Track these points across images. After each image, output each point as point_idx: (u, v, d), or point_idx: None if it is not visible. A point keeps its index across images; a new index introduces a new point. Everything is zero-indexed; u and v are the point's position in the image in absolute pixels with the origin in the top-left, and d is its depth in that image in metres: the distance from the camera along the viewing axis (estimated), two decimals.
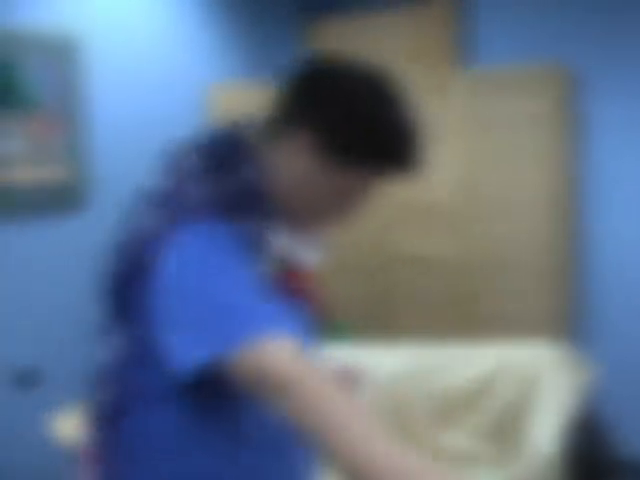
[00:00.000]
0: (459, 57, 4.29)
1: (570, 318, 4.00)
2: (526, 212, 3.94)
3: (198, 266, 1.22)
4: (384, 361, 3.17)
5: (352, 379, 1.64)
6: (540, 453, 2.63)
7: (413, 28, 4.44)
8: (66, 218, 3.65)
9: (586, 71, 3.95)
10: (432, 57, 4.36)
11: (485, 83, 4.01)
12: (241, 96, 4.44)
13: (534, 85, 3.89)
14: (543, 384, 2.99)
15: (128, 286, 1.28)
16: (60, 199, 3.60)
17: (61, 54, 3.54)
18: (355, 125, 1.24)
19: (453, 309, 4.09)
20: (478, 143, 4.00)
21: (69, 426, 3.09)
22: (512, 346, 3.24)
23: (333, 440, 1.08)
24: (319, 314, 1.47)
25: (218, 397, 1.28)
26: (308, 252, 1.41)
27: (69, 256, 3.66)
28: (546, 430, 2.72)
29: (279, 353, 1.14)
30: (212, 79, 4.36)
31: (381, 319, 4.27)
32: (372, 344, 3.44)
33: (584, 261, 4.06)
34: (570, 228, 3.99)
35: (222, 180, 1.28)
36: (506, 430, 3.17)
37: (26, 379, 3.48)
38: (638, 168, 3.90)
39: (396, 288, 4.13)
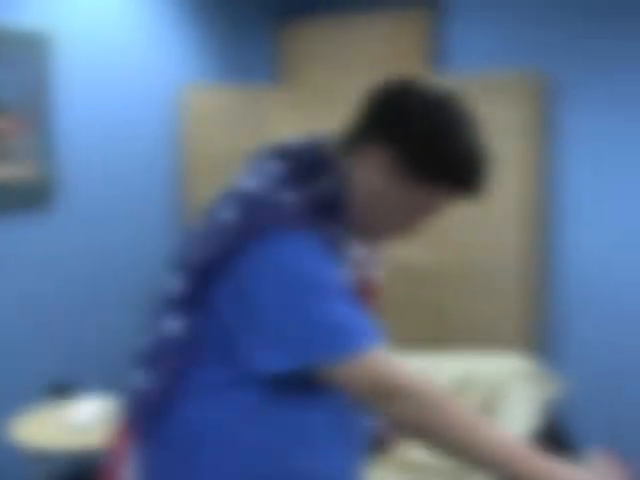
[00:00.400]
0: (434, 62, 4.29)
1: (537, 330, 4.01)
2: (497, 222, 3.94)
3: (296, 274, 1.26)
4: None
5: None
6: None
7: (388, 33, 4.43)
8: (34, 218, 3.59)
9: (560, 79, 3.95)
10: (407, 62, 4.35)
11: (459, 89, 3.99)
12: (214, 97, 4.41)
13: (508, 92, 3.88)
14: (509, 395, 2.99)
15: (207, 274, 1.30)
16: (28, 198, 3.55)
17: (30, 52, 3.48)
18: (435, 145, 1.32)
19: (421, 318, 4.09)
20: None
21: (31, 431, 3.04)
22: (479, 357, 3.24)
23: (460, 440, 1.23)
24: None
25: (294, 391, 1.34)
26: (374, 266, 1.49)
27: (36, 256, 3.60)
28: None
29: (387, 363, 1.25)
30: (185, 80, 4.32)
31: None
32: None
33: (552, 273, 4.08)
34: (540, 239, 4.00)
35: (308, 189, 1.33)
36: None
37: None
38: (608, 179, 3.91)
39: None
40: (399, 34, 4.40)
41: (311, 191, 1.33)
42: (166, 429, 1.36)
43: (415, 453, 3.21)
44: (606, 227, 3.95)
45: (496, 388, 3.03)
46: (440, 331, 4.01)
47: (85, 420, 3.08)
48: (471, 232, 4.02)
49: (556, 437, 2.89)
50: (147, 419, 1.37)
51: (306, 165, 1.36)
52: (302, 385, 1.33)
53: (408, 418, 1.25)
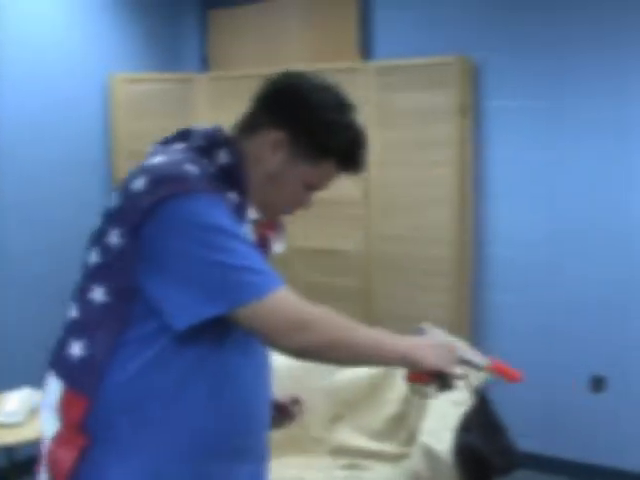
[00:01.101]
0: (362, 48, 4.30)
1: (467, 315, 4.07)
2: (429, 207, 3.97)
3: (202, 223, 1.37)
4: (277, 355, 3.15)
5: None
6: (433, 450, 2.66)
7: (316, 18, 4.43)
8: None
9: (486, 62, 4.01)
10: (335, 49, 4.37)
11: (388, 75, 4.01)
12: (143, 86, 4.34)
13: (436, 77, 3.90)
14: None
15: (121, 243, 1.40)
16: None
17: None
18: (319, 126, 1.50)
19: (352, 304, 4.10)
20: (381, 136, 4.01)
21: None
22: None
23: (355, 346, 1.46)
24: None
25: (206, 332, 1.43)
26: (275, 241, 1.63)
27: None
28: (440, 427, 2.75)
29: (295, 300, 1.41)
30: (114, 70, 4.25)
31: None
32: None
33: (481, 259, 4.15)
34: (469, 224, 4.06)
35: (210, 163, 1.48)
36: (401, 427, 3.20)
37: None
38: (533, 162, 3.99)
39: (295, 280, 4.11)
40: (327, 19, 4.41)
41: (211, 164, 1.48)
42: (110, 391, 1.42)
43: (349, 438, 3.24)
44: (530, 210, 4.03)
45: None
46: (372, 317, 4.03)
47: (11, 412, 3.00)
48: (405, 218, 4.04)
49: (484, 422, 2.93)
50: (90, 384, 1.42)
51: (206, 144, 1.50)
52: (217, 330, 1.44)
53: (315, 343, 1.42)
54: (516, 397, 3.82)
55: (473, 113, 4.04)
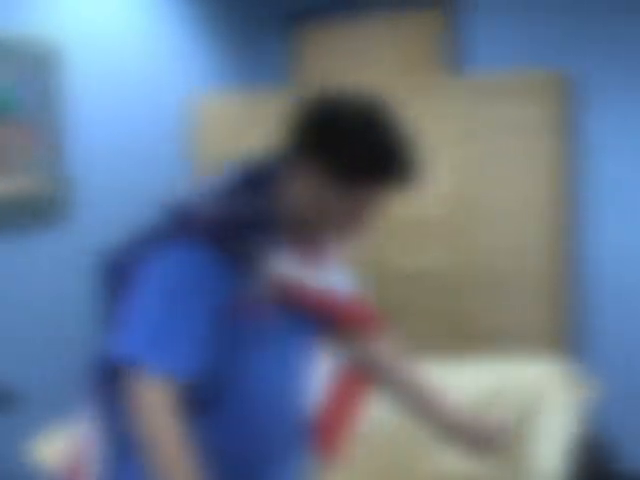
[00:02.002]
0: (452, 64, 4.21)
1: (567, 332, 3.92)
2: (522, 223, 3.86)
3: (162, 280, 1.43)
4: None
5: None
6: (543, 473, 2.55)
7: (403, 33, 4.36)
8: (46, 231, 3.54)
9: (584, 78, 3.88)
10: (424, 64, 4.29)
11: (479, 91, 3.92)
12: (226, 106, 4.35)
13: (530, 92, 3.80)
14: (544, 402, 2.90)
15: (117, 285, 1.55)
16: (39, 211, 3.49)
17: (40, 62, 3.44)
18: (354, 151, 1.46)
19: (449, 325, 3.99)
20: (471, 153, 3.92)
21: (53, 450, 2.97)
22: (511, 363, 3.14)
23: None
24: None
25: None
26: (337, 276, 1.64)
27: (50, 269, 3.55)
28: (549, 450, 2.63)
29: (152, 395, 1.39)
30: (197, 88, 4.27)
31: None
32: None
33: (580, 273, 3.99)
34: (565, 239, 3.92)
35: (237, 204, 1.48)
36: (507, 451, 3.07)
37: (2, 401, 3.35)
38: (634, 177, 3.84)
39: (390, 304, 4.03)
40: (414, 35, 4.34)
41: (237, 206, 1.49)
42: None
43: (448, 463, 3.13)
44: (630, 224, 3.87)
45: (530, 395, 2.94)
46: (469, 337, 3.91)
47: None
48: (498, 234, 3.93)
49: (593, 442, 2.80)
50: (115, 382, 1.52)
51: (244, 180, 1.53)
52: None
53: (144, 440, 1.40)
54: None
55: (570, 128, 3.90)
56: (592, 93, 3.89)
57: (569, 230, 3.93)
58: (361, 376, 1.82)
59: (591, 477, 2.65)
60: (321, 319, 1.67)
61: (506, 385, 2.98)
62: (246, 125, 4.35)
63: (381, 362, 1.83)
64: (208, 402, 1.51)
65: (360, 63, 4.50)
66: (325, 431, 1.75)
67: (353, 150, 1.46)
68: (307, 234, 1.55)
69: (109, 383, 1.54)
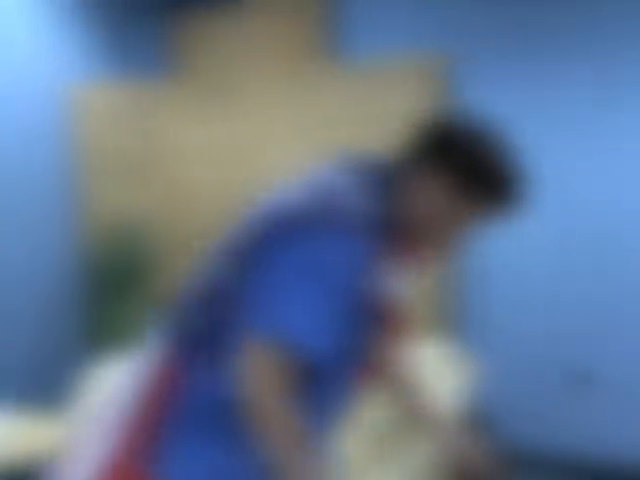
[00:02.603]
0: (332, 49, 4.29)
1: (452, 313, 4.04)
2: None
3: (316, 261, 1.49)
4: None
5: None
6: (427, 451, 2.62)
7: (282, 23, 4.40)
8: None
9: (467, 59, 4.03)
10: (301, 54, 4.33)
11: (362, 75, 3.97)
12: (104, 95, 4.26)
13: (414, 75, 3.87)
14: (429, 381, 2.99)
15: (261, 244, 1.54)
16: None
17: None
18: (478, 172, 1.59)
19: None
20: (354, 137, 3.97)
21: None
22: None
23: (278, 455, 1.47)
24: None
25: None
26: (401, 286, 1.71)
27: None
28: None
29: (279, 374, 1.46)
30: (73, 79, 4.16)
31: None
32: None
33: (466, 256, 4.12)
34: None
35: (375, 205, 1.59)
36: (392, 429, 3.16)
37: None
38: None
39: None
40: (293, 25, 4.38)
41: (378, 206, 1.60)
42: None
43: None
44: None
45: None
46: None
47: None
48: None
49: (478, 421, 2.91)
50: (208, 349, 1.58)
51: (374, 183, 1.63)
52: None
53: (256, 426, 1.47)
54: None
55: (454, 109, 4.02)
56: (477, 73, 4.04)
57: None
58: (374, 369, 1.90)
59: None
60: (376, 320, 1.75)
61: None
62: (124, 116, 4.28)
63: (393, 369, 1.96)
64: (320, 372, 1.59)
65: (240, 55, 4.50)
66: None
67: (481, 172, 1.59)
68: (409, 242, 1.65)
69: (218, 350, 1.58)
